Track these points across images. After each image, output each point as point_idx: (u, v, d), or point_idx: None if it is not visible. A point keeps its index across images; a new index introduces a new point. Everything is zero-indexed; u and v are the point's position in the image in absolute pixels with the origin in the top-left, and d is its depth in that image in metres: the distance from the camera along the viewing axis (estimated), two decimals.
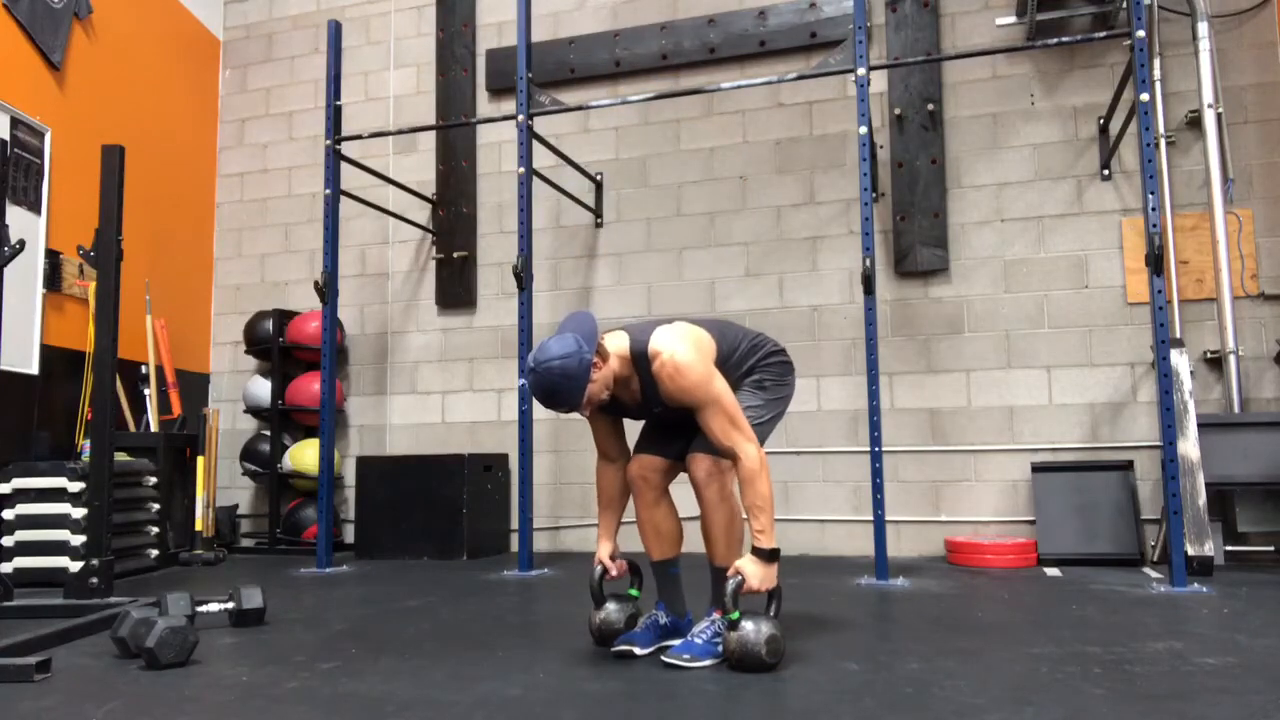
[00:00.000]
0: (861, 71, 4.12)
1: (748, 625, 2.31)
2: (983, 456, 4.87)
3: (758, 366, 2.67)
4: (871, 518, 4.00)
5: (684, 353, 2.43)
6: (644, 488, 2.64)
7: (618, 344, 2.51)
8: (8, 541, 4.24)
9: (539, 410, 5.34)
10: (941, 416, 4.94)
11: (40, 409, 4.73)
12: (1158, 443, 4.40)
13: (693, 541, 2.69)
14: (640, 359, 2.48)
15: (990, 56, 5.01)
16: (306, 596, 3.80)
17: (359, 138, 5.28)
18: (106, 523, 3.41)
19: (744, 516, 2.54)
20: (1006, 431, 4.85)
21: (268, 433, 5.76)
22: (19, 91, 4.72)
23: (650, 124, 5.57)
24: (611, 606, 2.64)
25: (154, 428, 5.26)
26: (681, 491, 2.63)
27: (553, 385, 2.35)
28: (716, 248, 5.37)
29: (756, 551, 2.39)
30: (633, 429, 2.73)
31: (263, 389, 5.76)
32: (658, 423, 2.68)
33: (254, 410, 5.83)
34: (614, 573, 2.66)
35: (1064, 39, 4.47)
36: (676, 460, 2.62)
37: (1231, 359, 4.47)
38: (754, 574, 2.37)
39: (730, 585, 2.34)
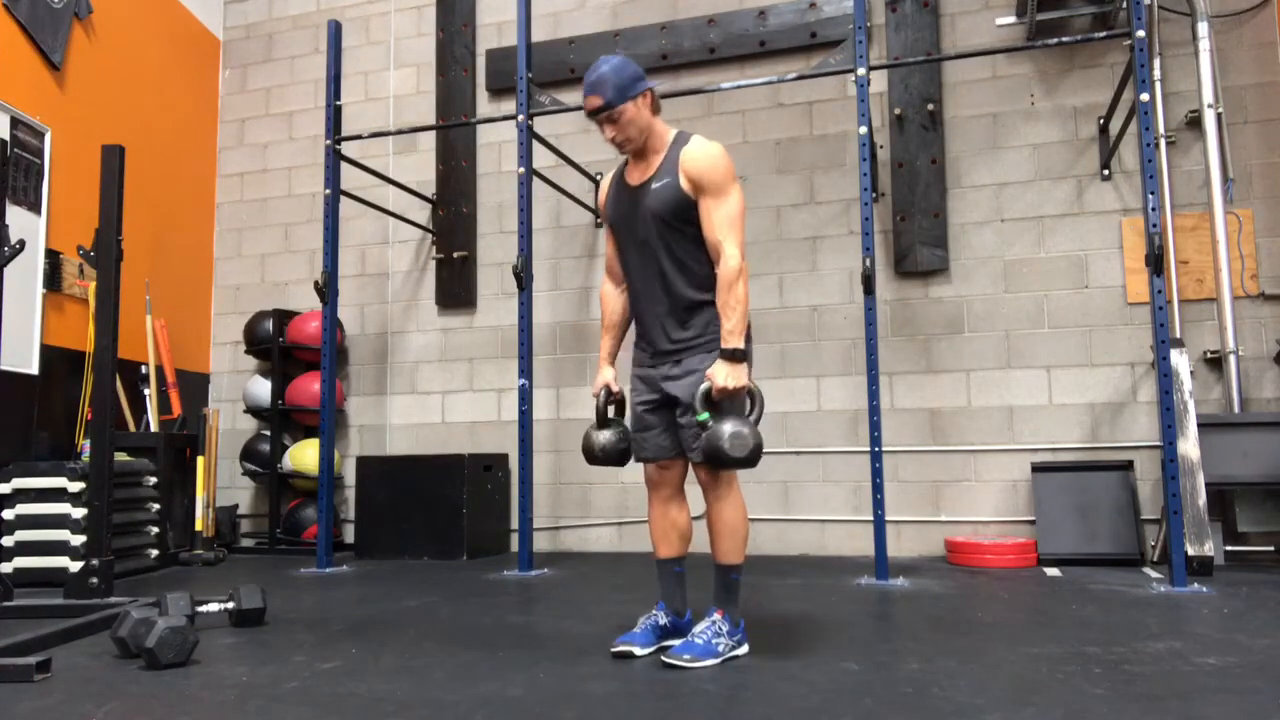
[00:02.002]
0: (861, 71, 4.12)
1: (716, 423, 2.37)
2: (983, 456, 4.87)
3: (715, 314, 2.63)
4: (871, 518, 4.00)
5: (722, 150, 2.54)
6: (660, 485, 2.66)
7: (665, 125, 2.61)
8: (8, 541, 4.24)
9: (539, 410, 5.36)
10: (941, 416, 4.94)
11: (40, 409, 4.73)
12: (1158, 443, 4.40)
13: (697, 541, 2.70)
14: (680, 138, 2.58)
15: (990, 56, 5.01)
16: (306, 596, 3.80)
17: (359, 138, 5.28)
18: (106, 523, 3.41)
19: (749, 517, 2.55)
20: (1006, 431, 4.85)
21: (268, 433, 5.76)
22: (19, 91, 4.72)
23: None
24: (609, 431, 2.68)
25: (154, 428, 5.26)
26: (692, 491, 2.64)
27: (605, 72, 2.48)
28: None
29: (724, 352, 2.43)
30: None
31: (263, 389, 5.76)
32: (640, 403, 2.69)
33: (254, 410, 5.83)
34: (617, 394, 2.73)
35: (1064, 39, 4.46)
36: (681, 454, 2.61)
37: (1231, 359, 4.47)
38: (720, 372, 2.42)
39: (700, 389, 2.42)
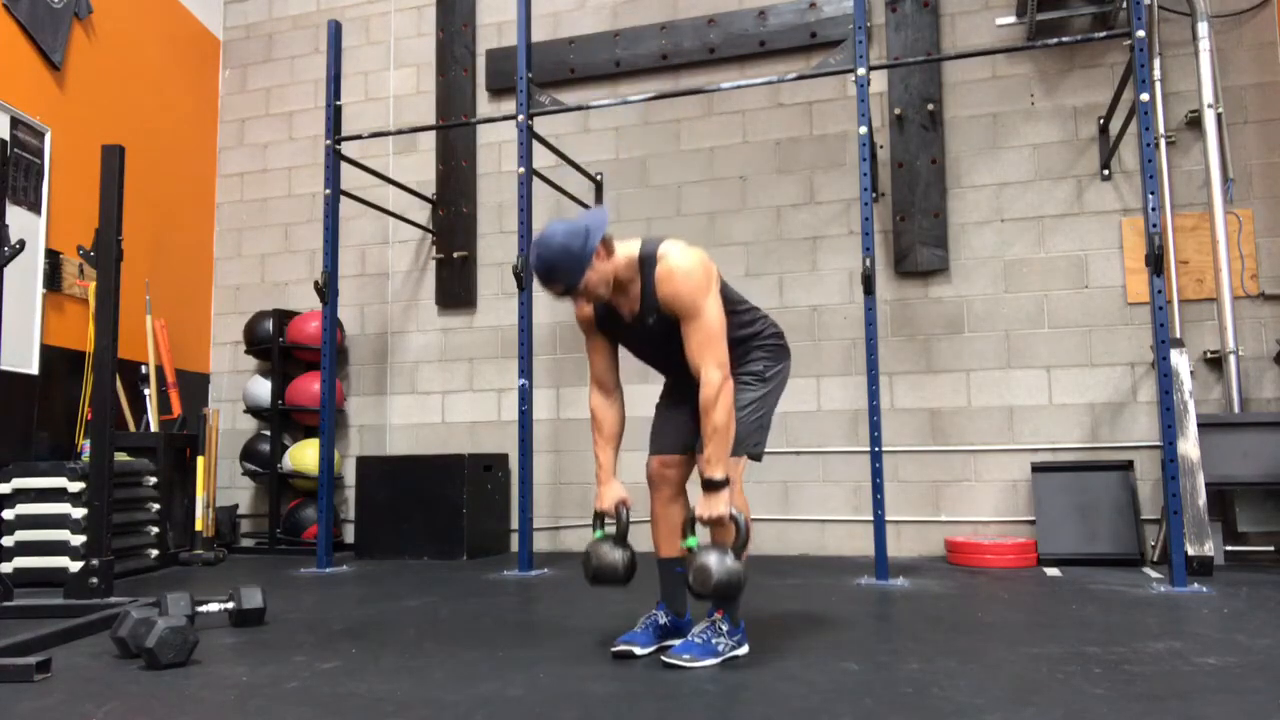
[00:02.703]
0: (861, 71, 4.12)
1: (699, 553, 2.34)
2: (983, 456, 4.87)
3: (756, 342, 2.65)
4: (871, 518, 4.00)
5: (689, 260, 2.44)
6: (662, 484, 2.66)
7: (628, 247, 2.50)
8: (8, 541, 4.24)
9: (539, 410, 5.35)
10: (941, 416, 4.94)
11: (40, 409, 4.73)
12: (1158, 443, 4.40)
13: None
14: (647, 262, 2.47)
15: (990, 56, 5.01)
16: (306, 596, 3.80)
17: (359, 138, 5.28)
18: (106, 523, 3.41)
19: (735, 527, 2.54)
20: (1006, 431, 4.85)
21: (268, 433, 5.76)
22: (19, 91, 4.72)
23: (650, 124, 5.57)
24: (609, 546, 2.54)
25: (154, 428, 5.26)
26: (692, 490, 2.63)
27: (553, 260, 2.34)
28: (716, 248, 5.36)
29: (704, 481, 2.38)
30: (644, 428, 2.73)
31: (263, 389, 5.76)
32: (666, 406, 2.68)
33: (254, 410, 5.83)
34: (630, 502, 2.61)
35: (1064, 39, 4.47)
36: (691, 454, 2.61)
37: (1231, 359, 4.47)
38: (701, 503, 2.38)
39: (686, 514, 2.41)
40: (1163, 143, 4.67)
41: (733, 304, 2.59)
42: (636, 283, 2.49)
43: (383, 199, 5.80)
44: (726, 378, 2.39)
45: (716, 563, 2.30)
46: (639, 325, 2.55)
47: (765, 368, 2.65)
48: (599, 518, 2.60)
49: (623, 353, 2.70)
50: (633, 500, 2.61)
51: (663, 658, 2.44)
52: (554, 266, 2.35)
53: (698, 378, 2.40)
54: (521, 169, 4.53)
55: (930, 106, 5.05)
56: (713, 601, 2.42)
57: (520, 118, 4.56)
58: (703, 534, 2.45)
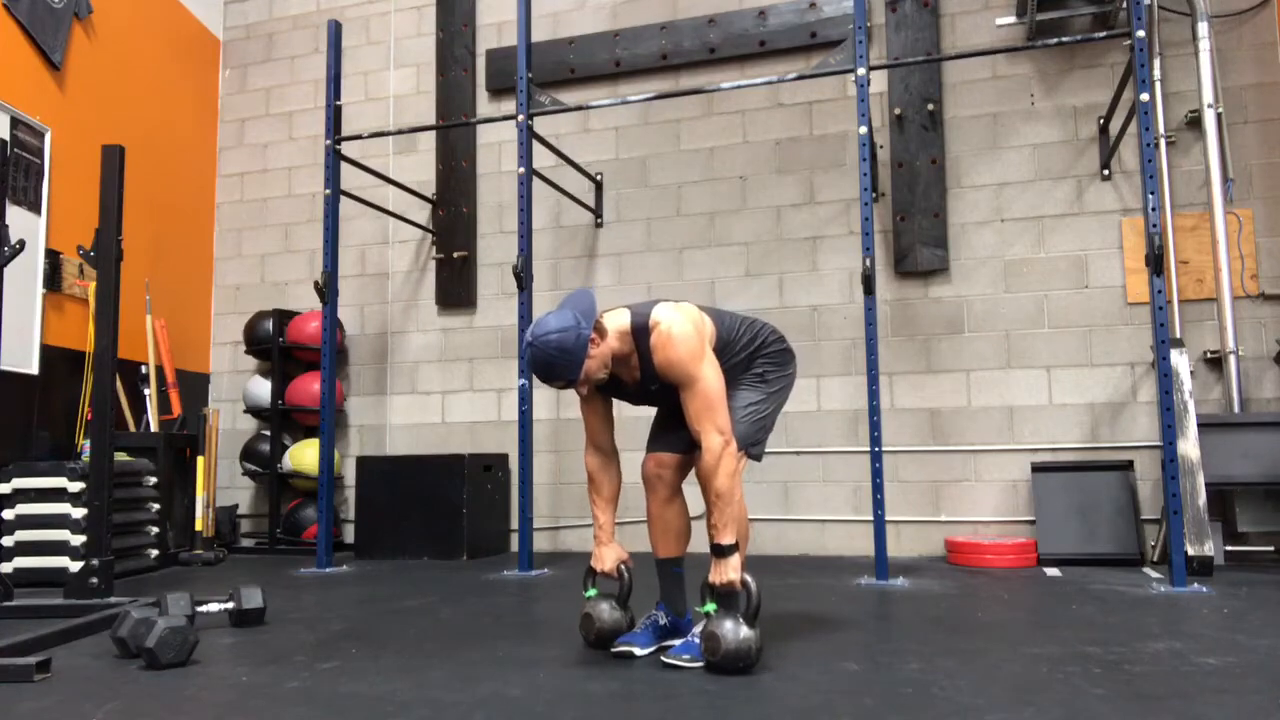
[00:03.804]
0: (861, 71, 4.12)
1: (717, 619, 2.33)
2: (983, 456, 4.87)
3: (759, 354, 2.67)
4: (871, 518, 4.00)
5: (680, 325, 2.45)
6: (658, 484, 2.66)
7: (618, 321, 2.51)
8: (8, 541, 4.24)
9: (539, 410, 5.35)
10: (941, 416, 4.94)
11: (40, 409, 4.73)
12: (1158, 443, 4.40)
13: (697, 542, 2.69)
14: (640, 332, 2.48)
15: (990, 56, 5.01)
16: (306, 596, 3.80)
17: (359, 138, 5.28)
18: (106, 523, 3.41)
19: (749, 518, 2.56)
20: (1006, 431, 4.85)
21: (268, 433, 5.76)
22: (19, 91, 4.72)
23: (650, 124, 5.57)
24: (606, 608, 2.58)
25: (154, 428, 5.26)
26: (689, 491, 2.64)
27: (549, 360, 2.35)
28: (716, 248, 5.37)
29: (712, 547, 2.40)
30: (640, 428, 2.73)
31: (263, 389, 5.76)
32: (666, 414, 2.68)
33: (254, 410, 5.83)
34: (630, 563, 2.63)
35: (1064, 39, 4.47)
36: (689, 454, 2.61)
37: (1231, 359, 4.47)
38: (711, 570, 2.40)
39: (703, 582, 2.40)
40: (1163, 143, 4.67)
41: (728, 337, 2.60)
42: (634, 354, 2.50)
43: (383, 199, 5.80)
44: (728, 443, 2.40)
45: (730, 632, 2.30)
46: (642, 390, 2.58)
47: (766, 372, 2.67)
48: (591, 574, 2.61)
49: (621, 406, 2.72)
50: (633, 562, 2.62)
51: (663, 658, 2.45)
52: (550, 366, 2.36)
53: (697, 439, 2.41)
54: (521, 169, 4.53)
55: (930, 106, 5.05)
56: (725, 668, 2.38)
57: (520, 118, 4.56)
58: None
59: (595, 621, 2.57)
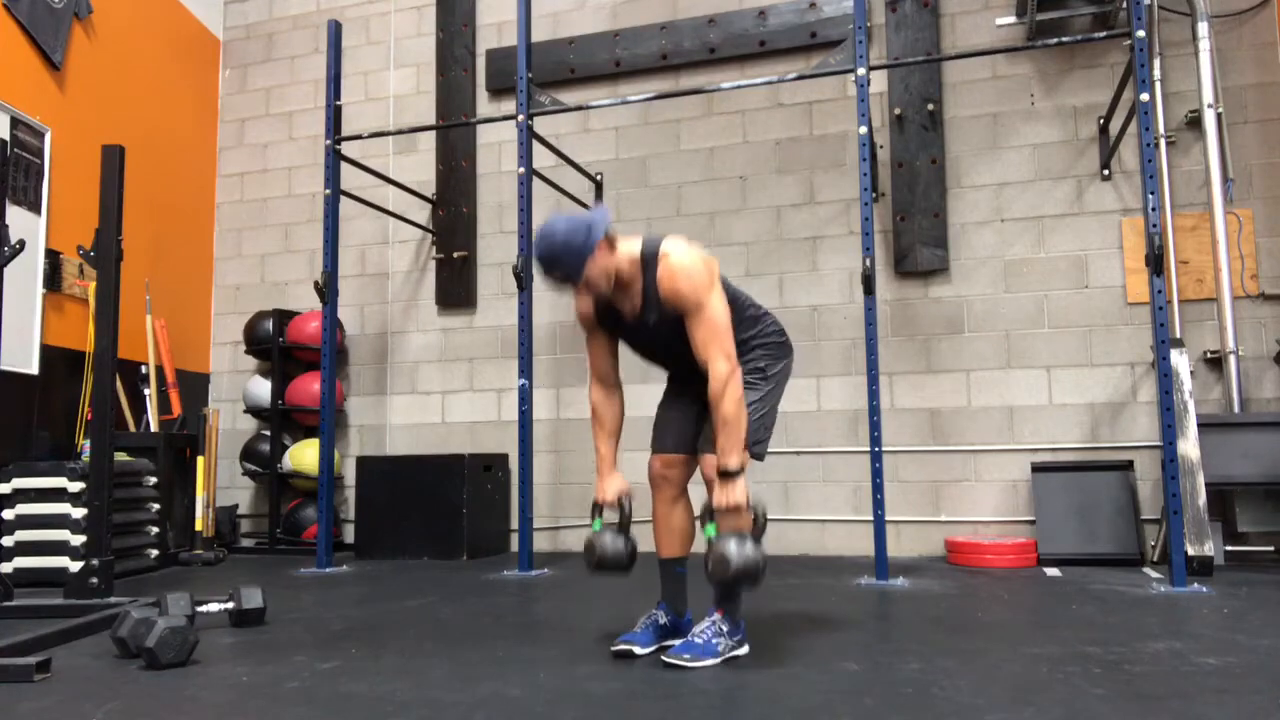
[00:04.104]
0: (861, 71, 4.12)
1: (719, 540, 2.34)
2: (983, 456, 4.87)
3: (757, 340, 2.66)
4: (871, 518, 4.00)
5: (690, 256, 2.47)
6: (664, 485, 2.66)
7: (630, 246, 2.52)
8: (8, 541, 4.24)
9: (539, 410, 5.35)
10: (941, 416, 4.94)
11: (40, 409, 4.73)
12: (1158, 443, 4.40)
13: (697, 542, 2.69)
14: (649, 260, 2.49)
15: (990, 56, 5.01)
16: (306, 596, 3.80)
17: (359, 138, 5.28)
18: (106, 523, 3.41)
19: (753, 515, 2.55)
20: (1006, 431, 4.85)
21: (268, 433, 5.76)
22: (19, 91, 4.72)
23: (650, 124, 5.57)
24: (610, 536, 2.56)
25: (154, 428, 5.26)
26: (694, 490, 2.65)
27: (554, 251, 2.38)
28: (716, 248, 5.36)
29: (720, 471, 2.40)
30: (644, 428, 2.73)
31: (263, 389, 5.76)
32: (668, 404, 2.69)
33: (254, 410, 5.83)
34: (631, 496, 2.63)
35: (1064, 39, 4.47)
36: (693, 454, 2.62)
37: (1231, 359, 4.47)
38: (719, 490, 2.39)
39: (704, 504, 2.40)
40: (1163, 143, 4.67)
41: (737, 302, 2.60)
42: (638, 281, 2.50)
43: (383, 199, 5.80)
44: (735, 369, 2.41)
45: (735, 550, 2.31)
46: (640, 324, 2.56)
47: (768, 365, 2.66)
48: (598, 508, 2.62)
49: (622, 349, 2.70)
50: (634, 492, 2.62)
51: (663, 657, 2.44)
52: (556, 255, 2.38)
53: (705, 371, 2.41)
54: (521, 169, 4.53)
55: (930, 106, 5.05)
56: (724, 591, 2.42)
57: (520, 118, 4.56)
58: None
59: (597, 549, 2.57)
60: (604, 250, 2.42)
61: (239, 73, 6.47)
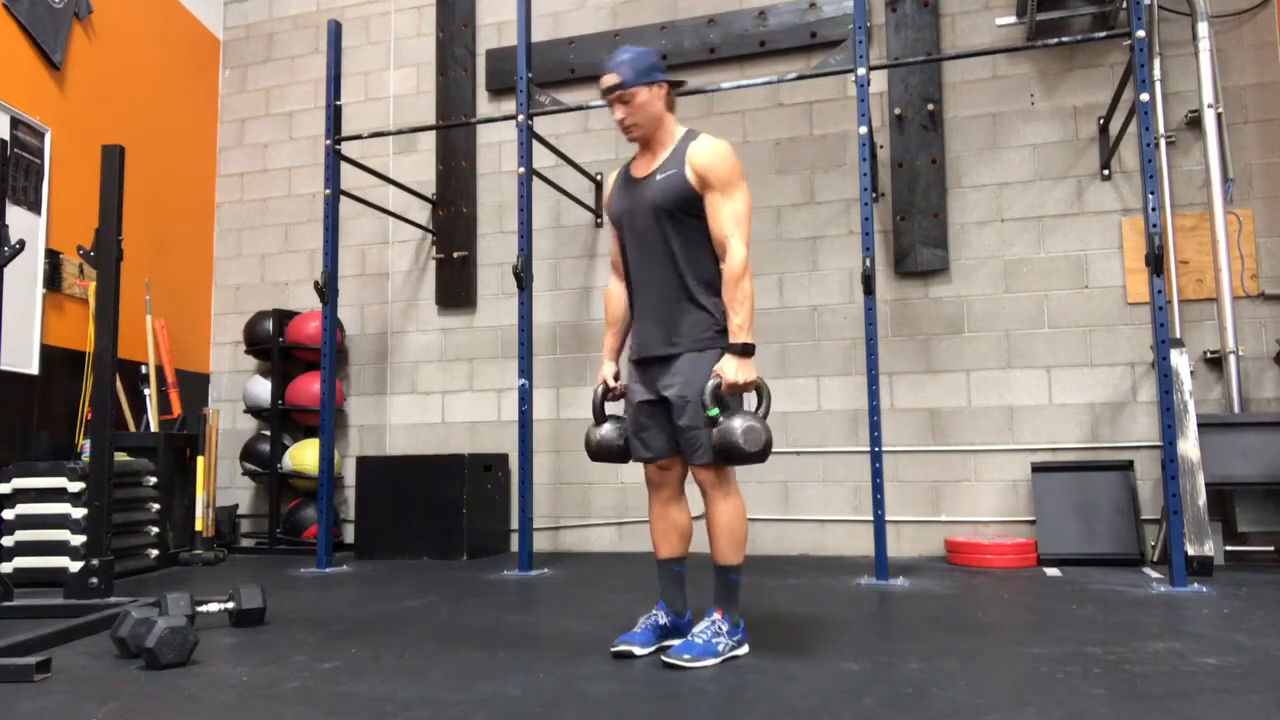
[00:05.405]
0: (861, 71, 4.12)
1: (726, 419, 2.40)
2: (983, 456, 4.87)
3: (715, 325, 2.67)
4: (871, 518, 4.00)
5: (732, 150, 2.60)
6: (661, 485, 2.67)
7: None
8: (8, 541, 4.24)
9: (539, 410, 5.36)
10: (941, 416, 4.94)
11: (40, 409, 4.73)
12: (1158, 443, 4.40)
13: (696, 542, 2.70)
14: (690, 133, 2.64)
15: (990, 56, 5.01)
16: (306, 596, 3.80)
17: (359, 138, 5.28)
18: (106, 523, 3.41)
19: (748, 518, 2.56)
20: (1006, 431, 4.85)
21: (268, 433, 5.76)
22: (19, 91, 4.72)
23: None
24: (609, 426, 2.72)
25: (154, 428, 5.26)
26: (690, 490, 2.66)
27: (625, 55, 2.58)
28: None
29: (733, 347, 2.46)
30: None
31: (263, 389, 5.76)
32: (639, 408, 2.70)
33: (254, 410, 5.83)
34: (617, 389, 2.76)
35: (1064, 39, 4.46)
36: (679, 453, 2.61)
37: (1231, 359, 4.47)
38: (729, 367, 2.44)
39: (709, 385, 2.43)
40: (1163, 143, 4.68)
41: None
42: (669, 147, 2.62)
43: (383, 199, 5.80)
44: (748, 258, 2.51)
45: (742, 424, 2.37)
46: (646, 182, 2.61)
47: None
48: (599, 411, 2.74)
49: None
50: (618, 384, 2.76)
51: (663, 658, 2.45)
52: (623, 60, 2.57)
53: (724, 247, 2.50)
54: (521, 169, 4.53)
55: (930, 106, 5.05)
56: (749, 460, 2.42)
57: (520, 118, 4.56)
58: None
59: (595, 435, 2.71)
60: (661, 92, 2.59)
61: (239, 73, 6.47)
